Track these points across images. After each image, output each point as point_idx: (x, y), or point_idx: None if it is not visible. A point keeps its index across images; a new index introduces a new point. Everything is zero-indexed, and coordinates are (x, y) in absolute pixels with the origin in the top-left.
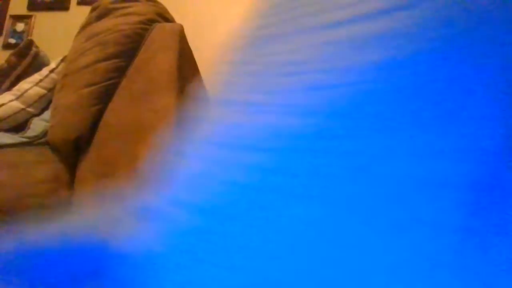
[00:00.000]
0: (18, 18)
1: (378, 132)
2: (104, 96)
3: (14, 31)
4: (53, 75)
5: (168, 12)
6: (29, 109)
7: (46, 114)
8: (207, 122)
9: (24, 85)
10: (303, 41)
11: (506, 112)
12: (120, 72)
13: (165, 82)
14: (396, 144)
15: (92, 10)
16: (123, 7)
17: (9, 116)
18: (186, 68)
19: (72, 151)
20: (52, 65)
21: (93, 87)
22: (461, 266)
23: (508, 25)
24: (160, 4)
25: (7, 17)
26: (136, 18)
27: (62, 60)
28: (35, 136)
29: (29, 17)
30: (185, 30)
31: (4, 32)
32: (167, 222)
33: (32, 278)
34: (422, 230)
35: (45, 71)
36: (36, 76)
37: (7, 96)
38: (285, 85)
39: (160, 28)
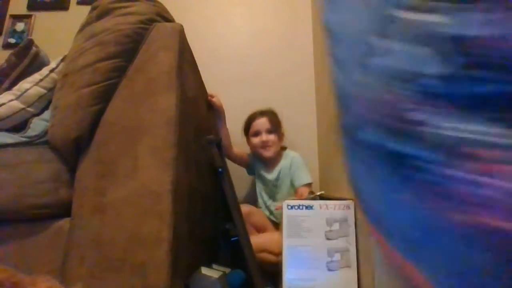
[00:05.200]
0: (18, 18)
1: None
2: (104, 96)
3: (14, 31)
4: (53, 74)
5: (168, 12)
6: (29, 109)
7: (46, 114)
8: None
9: (24, 84)
10: None
11: None
12: (120, 72)
13: (165, 82)
14: None
15: (92, 9)
16: (123, 7)
17: (9, 116)
18: (186, 68)
19: (72, 151)
20: (52, 64)
21: (93, 87)
22: None
23: None
24: (160, 4)
25: (7, 17)
26: (136, 18)
27: (62, 60)
28: (35, 136)
29: (29, 17)
30: (185, 30)
31: (4, 32)
32: None
33: None
34: None
35: (45, 70)
36: (36, 76)
37: (7, 96)
38: None
39: (160, 28)
